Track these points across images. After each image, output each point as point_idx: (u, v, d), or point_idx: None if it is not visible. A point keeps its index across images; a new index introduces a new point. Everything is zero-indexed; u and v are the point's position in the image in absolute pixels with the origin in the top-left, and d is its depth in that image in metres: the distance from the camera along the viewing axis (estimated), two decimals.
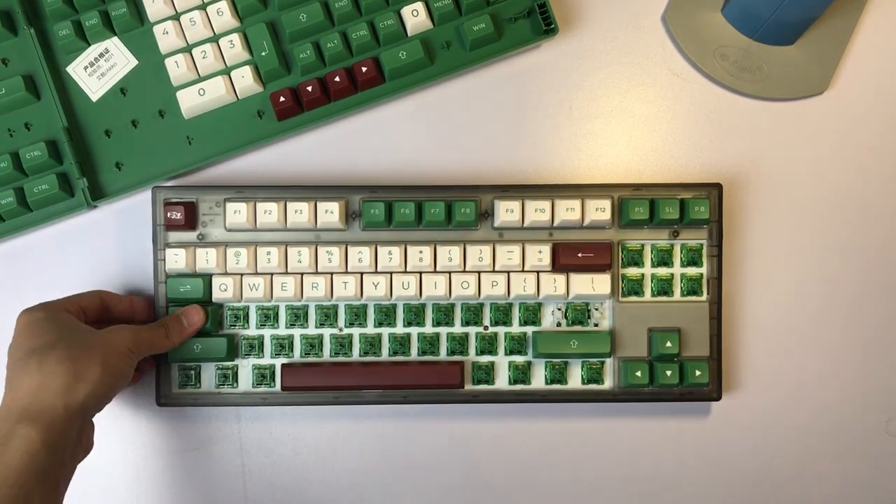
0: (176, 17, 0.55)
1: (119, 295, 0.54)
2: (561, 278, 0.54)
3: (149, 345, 0.50)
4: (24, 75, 0.55)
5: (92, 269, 0.56)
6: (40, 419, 0.44)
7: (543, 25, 0.56)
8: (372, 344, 0.54)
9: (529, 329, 0.55)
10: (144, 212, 0.55)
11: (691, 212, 0.54)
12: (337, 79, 0.55)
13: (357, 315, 0.54)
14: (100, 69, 0.55)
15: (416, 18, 0.55)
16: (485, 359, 0.54)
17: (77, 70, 0.56)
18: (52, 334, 0.47)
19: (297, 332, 0.54)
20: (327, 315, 0.54)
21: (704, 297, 0.55)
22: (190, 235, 0.54)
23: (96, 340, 0.47)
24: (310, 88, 0.55)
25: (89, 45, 0.56)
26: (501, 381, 0.54)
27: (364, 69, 0.55)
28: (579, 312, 0.54)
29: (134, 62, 0.56)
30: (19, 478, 0.42)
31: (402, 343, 0.54)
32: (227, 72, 0.55)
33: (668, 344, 0.54)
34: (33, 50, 0.55)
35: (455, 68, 0.56)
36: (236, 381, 0.53)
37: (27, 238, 0.56)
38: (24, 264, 0.56)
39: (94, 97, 0.56)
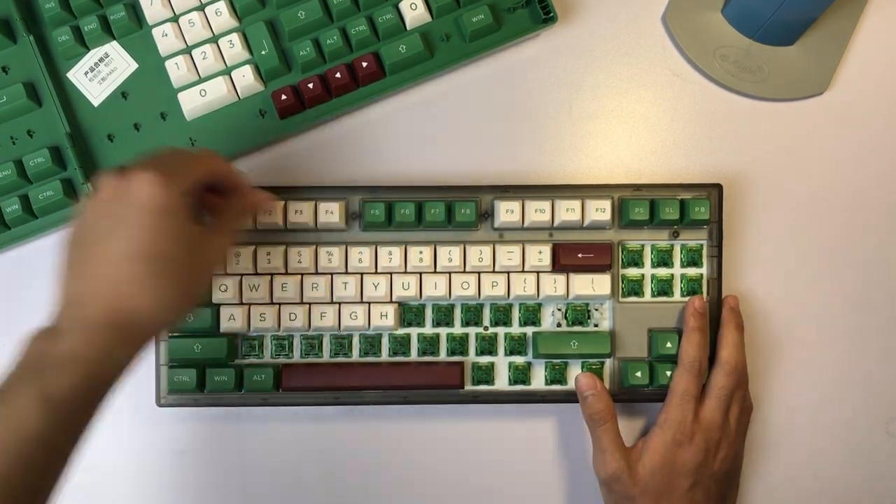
0: (174, 18, 0.55)
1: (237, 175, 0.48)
2: (561, 279, 0.54)
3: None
4: (25, 82, 0.55)
5: None
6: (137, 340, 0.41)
7: (542, 14, 0.56)
8: (372, 344, 0.54)
9: (529, 329, 0.55)
10: None
11: (691, 212, 0.54)
12: (338, 75, 0.55)
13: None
14: (100, 74, 0.56)
15: (414, 12, 0.55)
16: (485, 359, 0.54)
17: (77, 76, 0.56)
18: (179, 243, 0.41)
19: (296, 333, 0.54)
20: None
21: (704, 297, 0.55)
22: None
23: (206, 264, 0.44)
24: (311, 85, 0.55)
25: (89, 49, 0.56)
26: (501, 382, 0.55)
27: (364, 64, 0.55)
28: (579, 313, 0.54)
29: (134, 65, 0.56)
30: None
31: (401, 343, 0.54)
32: (227, 72, 0.55)
33: (668, 344, 0.53)
34: (33, 57, 0.55)
35: (455, 60, 0.56)
36: (236, 382, 0.53)
37: (34, 245, 0.57)
38: (31, 271, 0.56)
39: (96, 102, 0.56)
